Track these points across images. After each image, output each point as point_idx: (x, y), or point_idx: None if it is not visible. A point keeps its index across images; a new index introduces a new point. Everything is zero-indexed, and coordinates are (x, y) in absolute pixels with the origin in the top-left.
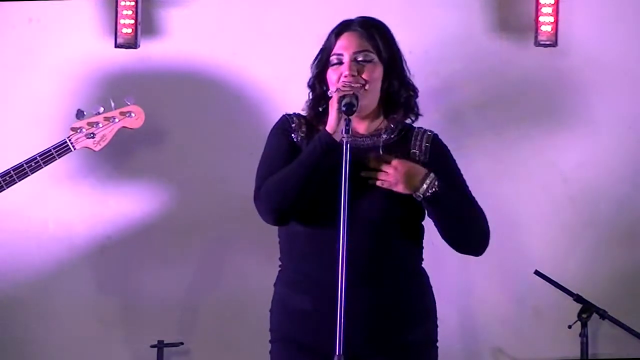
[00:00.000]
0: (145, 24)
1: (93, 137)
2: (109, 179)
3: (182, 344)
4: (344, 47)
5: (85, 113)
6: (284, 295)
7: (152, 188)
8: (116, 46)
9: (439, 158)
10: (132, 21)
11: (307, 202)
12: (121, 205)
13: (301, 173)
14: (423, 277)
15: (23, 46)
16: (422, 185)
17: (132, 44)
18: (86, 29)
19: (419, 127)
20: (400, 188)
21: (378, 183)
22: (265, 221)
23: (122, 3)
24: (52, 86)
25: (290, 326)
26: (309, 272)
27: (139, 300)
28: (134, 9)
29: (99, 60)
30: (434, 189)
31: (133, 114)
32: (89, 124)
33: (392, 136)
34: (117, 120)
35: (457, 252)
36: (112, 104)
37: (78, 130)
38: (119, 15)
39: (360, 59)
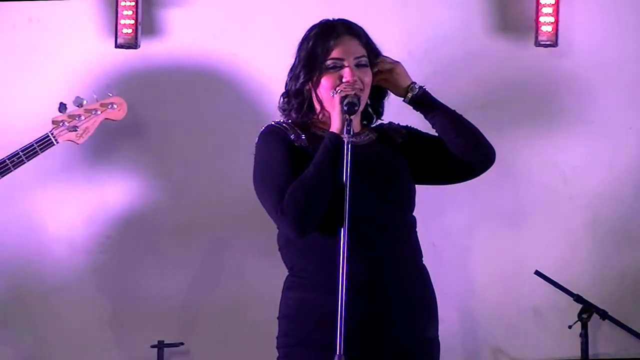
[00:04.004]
0: (146, 24)
1: (75, 130)
2: (109, 179)
3: (182, 344)
4: (345, 52)
5: (67, 106)
6: (309, 299)
7: (152, 188)
8: (116, 46)
9: (416, 130)
10: (133, 21)
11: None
12: (121, 205)
13: (323, 176)
14: (427, 272)
15: (23, 46)
16: (412, 82)
17: (132, 44)
18: (86, 29)
19: (389, 122)
20: (396, 74)
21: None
22: (290, 233)
23: (123, 3)
24: (52, 86)
25: (316, 329)
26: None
27: (139, 300)
28: (134, 9)
29: (99, 61)
30: (423, 88)
31: (115, 106)
32: (70, 116)
33: (375, 136)
34: (99, 112)
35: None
36: (95, 97)
37: (60, 124)
38: (119, 15)
39: (359, 64)
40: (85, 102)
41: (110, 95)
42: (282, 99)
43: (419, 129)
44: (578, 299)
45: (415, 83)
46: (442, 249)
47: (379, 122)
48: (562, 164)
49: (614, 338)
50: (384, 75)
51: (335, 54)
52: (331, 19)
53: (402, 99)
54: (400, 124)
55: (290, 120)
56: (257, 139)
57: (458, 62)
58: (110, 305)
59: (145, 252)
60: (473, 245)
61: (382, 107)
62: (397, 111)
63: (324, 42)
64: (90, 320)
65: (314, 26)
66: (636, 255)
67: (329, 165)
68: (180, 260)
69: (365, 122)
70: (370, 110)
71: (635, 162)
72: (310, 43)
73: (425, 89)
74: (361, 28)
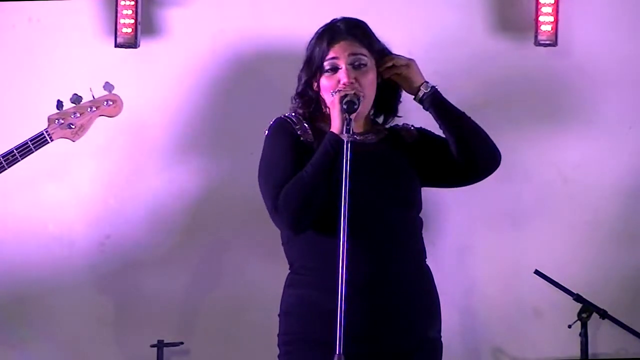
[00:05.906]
0: (145, 24)
1: (71, 128)
2: (109, 178)
3: (182, 343)
4: (339, 53)
5: (64, 104)
6: (310, 296)
7: (152, 188)
8: (116, 46)
9: (427, 131)
10: (132, 21)
11: (326, 205)
12: (121, 204)
13: (319, 176)
14: (430, 273)
15: (23, 46)
16: (425, 81)
17: (132, 43)
18: (86, 28)
19: (403, 123)
20: (411, 71)
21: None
22: (284, 230)
23: (122, 3)
24: (52, 86)
25: (317, 326)
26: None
27: (139, 300)
28: (134, 9)
29: (99, 60)
30: (435, 87)
31: (111, 102)
32: (65, 114)
33: (384, 135)
34: (94, 109)
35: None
36: (92, 93)
37: (55, 121)
38: (119, 14)
39: (356, 63)
40: (82, 99)
41: (107, 91)
42: (292, 100)
43: (429, 128)
44: (578, 298)
45: (428, 82)
46: (442, 249)
47: (393, 122)
48: (562, 164)
49: (613, 337)
50: (398, 70)
51: (330, 55)
52: (338, 18)
53: (413, 97)
54: (414, 126)
55: (300, 113)
56: (266, 131)
57: (458, 61)
58: (110, 304)
59: (145, 252)
60: (473, 245)
61: (397, 104)
62: (406, 109)
63: (321, 44)
64: (90, 320)
65: (320, 27)
66: (636, 255)
67: (325, 166)
68: (180, 260)
69: (377, 121)
70: (383, 107)
71: (635, 162)
72: (312, 45)
73: (436, 88)
74: (364, 26)
